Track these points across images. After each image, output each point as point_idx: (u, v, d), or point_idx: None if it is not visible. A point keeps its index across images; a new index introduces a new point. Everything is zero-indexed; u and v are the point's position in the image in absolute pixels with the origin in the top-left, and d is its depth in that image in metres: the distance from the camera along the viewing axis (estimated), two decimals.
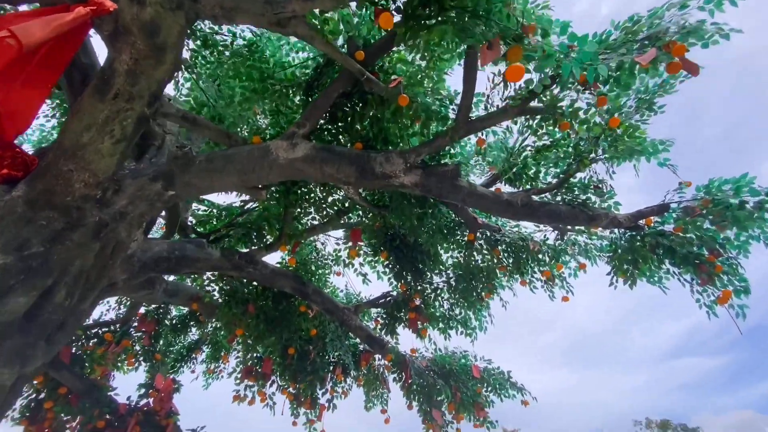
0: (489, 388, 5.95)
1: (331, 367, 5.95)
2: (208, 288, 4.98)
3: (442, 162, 4.02)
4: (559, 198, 4.15)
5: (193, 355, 7.64)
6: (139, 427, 4.37)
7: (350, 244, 4.79)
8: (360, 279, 5.51)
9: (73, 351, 4.63)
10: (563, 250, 4.91)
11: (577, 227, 4.47)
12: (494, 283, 5.15)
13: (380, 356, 5.88)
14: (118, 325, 5.61)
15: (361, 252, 5.12)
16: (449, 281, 5.15)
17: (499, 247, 4.87)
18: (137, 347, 5.28)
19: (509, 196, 3.95)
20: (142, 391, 4.81)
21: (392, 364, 5.31)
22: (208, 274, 5.11)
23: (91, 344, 5.03)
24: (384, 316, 5.45)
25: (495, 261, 4.98)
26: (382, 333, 5.51)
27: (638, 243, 4.04)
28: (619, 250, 4.13)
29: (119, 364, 5.08)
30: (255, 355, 5.33)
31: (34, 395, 4.49)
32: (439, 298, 5.23)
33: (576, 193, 4.13)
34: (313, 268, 5.39)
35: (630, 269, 4.11)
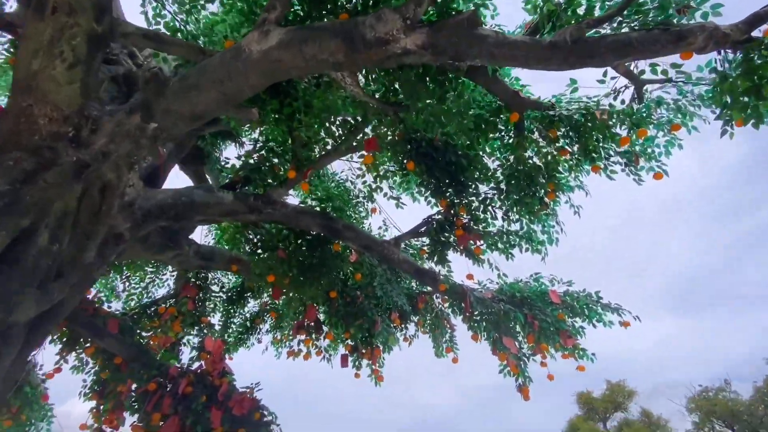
0: (574, 315, 4.98)
1: (388, 313, 5.40)
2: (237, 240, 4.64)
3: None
4: (625, 28, 3.04)
5: (258, 326, 7.64)
6: (191, 388, 4.23)
7: (367, 156, 4.07)
8: (394, 208, 4.80)
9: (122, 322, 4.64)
10: (645, 116, 3.73)
11: (661, 66, 3.25)
12: (556, 178, 4.12)
13: (437, 294, 5.19)
14: (173, 301, 5.62)
15: (386, 171, 4.38)
16: (499, 186, 4.22)
17: (557, 130, 3.82)
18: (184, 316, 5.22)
19: (554, 37, 2.94)
20: (193, 354, 4.72)
21: (448, 295, 4.58)
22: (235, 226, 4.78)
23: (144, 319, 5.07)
24: (429, 243, 4.71)
25: (553, 149, 3.95)
26: (432, 263, 4.79)
27: (757, 59, 2.80)
28: (730, 77, 2.90)
29: (168, 331, 5.07)
30: (300, 307, 4.95)
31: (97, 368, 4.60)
32: (490, 210, 4.33)
33: (651, 16, 2.98)
34: (345, 209, 4.79)
35: (751, 101, 2.88)
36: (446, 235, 4.43)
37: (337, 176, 5.00)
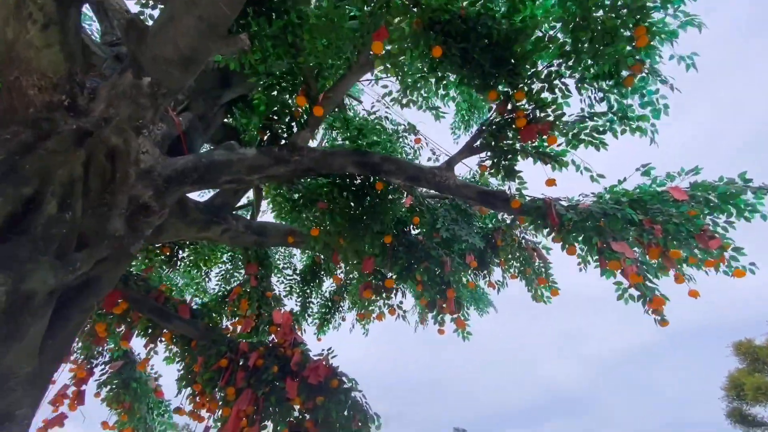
0: (712, 210, 3.65)
1: (462, 258, 4.63)
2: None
3: None
4: None
5: (338, 304, 7.41)
6: (262, 360, 4.02)
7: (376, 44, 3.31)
8: (441, 137, 4.00)
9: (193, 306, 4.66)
10: None
11: None
12: (647, 14, 2.92)
13: (515, 219, 4.27)
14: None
15: (413, 77, 3.58)
16: (564, 51, 3.15)
17: None
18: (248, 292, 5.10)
19: None
20: (263, 328, 4.55)
21: (526, 213, 3.65)
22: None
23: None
24: (490, 156, 3.82)
25: None
26: (498, 180, 3.89)
27: None
28: None
29: (237, 311, 5.00)
30: (355, 261, 4.44)
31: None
32: (560, 86, 3.27)
33: None
34: (382, 143, 4.15)
35: None
36: (508, 136, 3.50)
37: (370, 115, 4.36)
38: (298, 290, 6.81)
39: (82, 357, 5.08)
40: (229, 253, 6.48)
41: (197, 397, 4.35)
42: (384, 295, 4.70)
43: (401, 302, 4.77)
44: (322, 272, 7.07)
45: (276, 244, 5.24)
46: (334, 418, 3.71)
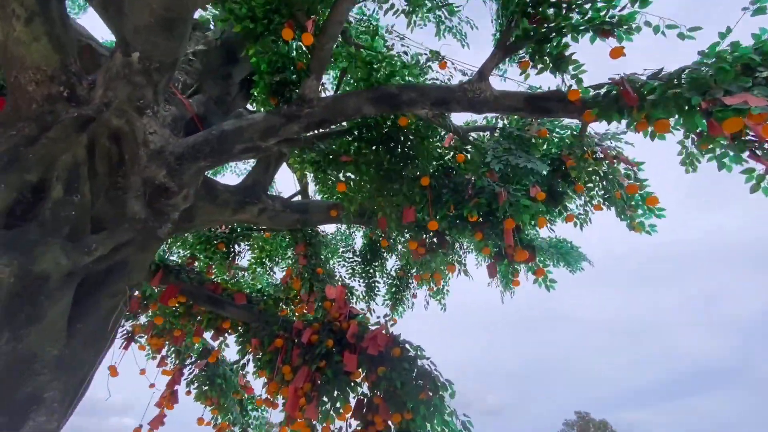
0: None
1: (525, 191, 3.87)
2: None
3: None
4: None
5: (406, 280, 6.97)
6: (317, 336, 3.73)
7: None
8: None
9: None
10: None
11: None
12: None
13: (571, 117, 3.41)
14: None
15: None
16: None
17: None
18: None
19: None
20: (317, 306, 4.28)
21: (590, 104, 2.80)
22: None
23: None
24: (530, 49, 3.03)
25: None
26: (546, 74, 3.09)
27: None
28: None
29: (290, 291, 4.81)
30: (394, 214, 3.92)
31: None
32: None
33: None
34: (399, 73, 3.61)
35: None
36: (547, 13, 2.71)
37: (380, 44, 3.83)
38: (360, 271, 6.52)
39: (172, 357, 5.36)
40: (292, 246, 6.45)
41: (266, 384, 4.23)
42: (437, 248, 4.11)
43: (461, 258, 4.15)
44: (382, 249, 6.70)
45: (320, 221, 4.97)
46: (399, 388, 3.26)
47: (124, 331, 4.65)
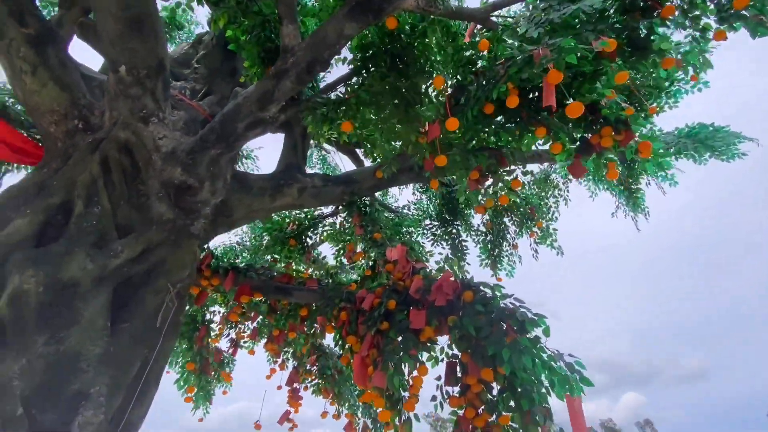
0: None
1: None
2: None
3: None
4: None
5: (502, 230, 6.07)
6: (378, 299, 3.29)
7: None
8: None
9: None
10: None
11: None
12: None
13: None
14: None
15: None
16: None
17: None
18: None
19: None
20: (380, 272, 3.84)
21: None
22: None
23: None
24: None
25: None
26: None
27: None
28: None
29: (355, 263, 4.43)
30: (416, 138, 3.23)
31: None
32: None
33: None
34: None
35: None
36: None
37: None
38: (442, 234, 5.91)
39: (287, 359, 5.57)
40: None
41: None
42: (494, 170, 3.30)
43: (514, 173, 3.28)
44: (460, 205, 5.97)
45: (370, 188, 4.58)
46: (474, 335, 2.61)
47: (229, 339, 5.00)
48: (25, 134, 3.48)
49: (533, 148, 3.77)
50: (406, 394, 2.86)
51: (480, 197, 3.46)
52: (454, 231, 5.92)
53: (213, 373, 4.84)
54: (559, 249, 6.27)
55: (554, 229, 6.19)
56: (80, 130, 3.10)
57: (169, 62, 3.45)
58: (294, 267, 5.44)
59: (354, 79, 3.68)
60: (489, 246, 6.15)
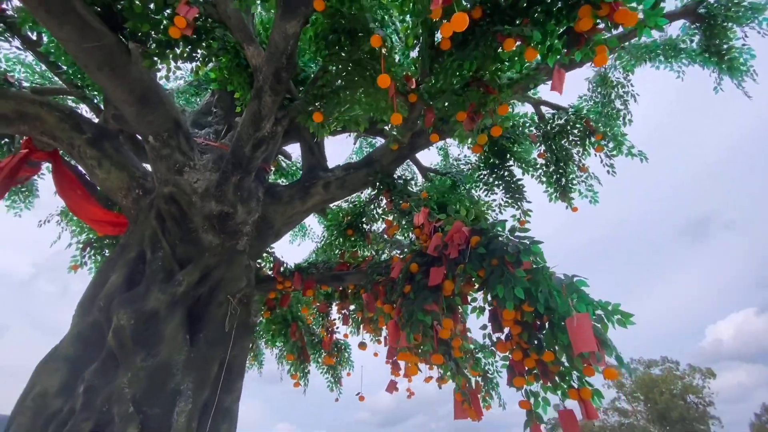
0: None
1: None
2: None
3: None
4: None
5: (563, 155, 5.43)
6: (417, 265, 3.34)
7: None
8: None
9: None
10: None
11: None
12: None
13: None
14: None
15: None
16: None
17: None
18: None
19: None
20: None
21: None
22: None
23: None
24: None
25: None
26: None
27: None
28: None
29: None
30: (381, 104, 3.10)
31: None
32: None
33: None
34: None
35: None
36: None
37: None
38: (495, 181, 5.57)
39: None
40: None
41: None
42: (485, 100, 3.05)
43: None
44: (504, 147, 5.52)
45: (392, 162, 4.63)
46: (480, 276, 2.52)
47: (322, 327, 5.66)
48: (112, 211, 4.53)
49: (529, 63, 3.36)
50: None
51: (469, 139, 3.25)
52: (506, 173, 5.53)
53: (311, 359, 5.56)
54: (640, 155, 5.32)
55: (624, 134, 5.27)
56: (140, 195, 3.94)
57: (185, 118, 4.10)
58: (360, 253, 5.84)
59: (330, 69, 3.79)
60: (553, 177, 5.58)
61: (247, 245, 3.91)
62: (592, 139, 5.17)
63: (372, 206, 5.79)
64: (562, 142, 5.37)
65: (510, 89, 3.03)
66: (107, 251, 5.54)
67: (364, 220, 5.86)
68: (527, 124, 5.56)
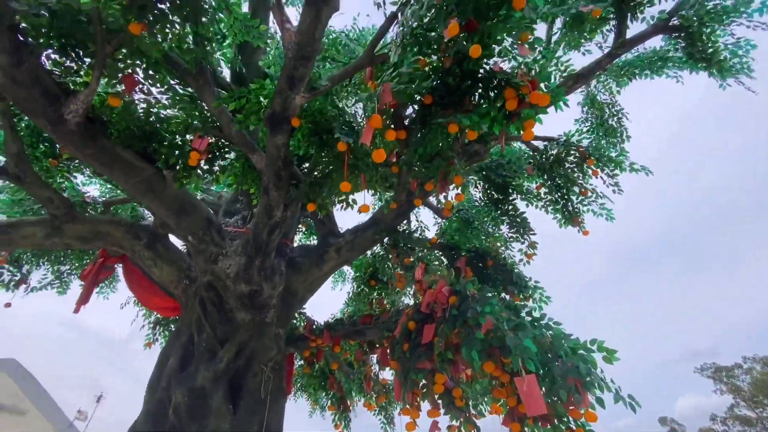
0: None
1: None
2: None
3: None
4: None
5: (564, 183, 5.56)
6: (404, 321, 3.70)
7: None
8: None
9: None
10: None
11: None
12: None
13: None
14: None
15: None
16: None
17: None
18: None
19: None
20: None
21: None
22: None
23: None
24: None
25: None
26: None
27: None
28: None
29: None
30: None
31: None
32: None
33: None
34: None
35: None
36: None
37: None
38: (499, 216, 5.80)
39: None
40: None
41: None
42: (446, 170, 3.45)
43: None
44: (510, 183, 5.75)
45: (394, 219, 5.09)
46: (454, 337, 2.84)
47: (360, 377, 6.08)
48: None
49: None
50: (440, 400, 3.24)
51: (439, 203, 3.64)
52: (509, 207, 5.75)
53: (351, 406, 5.97)
54: (644, 169, 5.28)
55: (625, 150, 5.30)
56: (188, 285, 4.77)
57: (215, 215, 4.92)
58: (386, 301, 6.28)
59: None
60: (559, 204, 5.69)
61: (275, 316, 4.54)
62: (585, 165, 5.27)
63: (383, 261, 6.25)
64: (560, 170, 5.51)
65: (466, 162, 3.41)
66: (172, 326, 6.51)
67: (379, 273, 6.33)
68: (524, 158, 5.79)
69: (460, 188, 3.59)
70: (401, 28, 3.19)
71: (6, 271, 5.73)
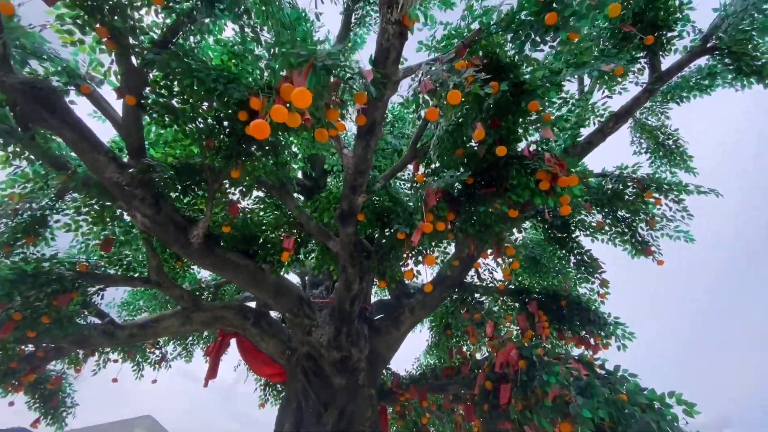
0: None
1: None
2: None
3: None
4: None
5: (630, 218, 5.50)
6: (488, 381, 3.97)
7: None
8: None
9: None
10: None
11: None
12: None
13: None
14: None
15: None
16: None
17: None
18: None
19: None
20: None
21: None
22: None
23: None
24: None
25: None
26: None
27: None
28: None
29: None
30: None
31: None
32: None
33: None
34: None
35: None
36: None
37: None
38: (566, 255, 5.86)
39: None
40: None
41: None
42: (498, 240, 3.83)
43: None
44: (569, 221, 5.85)
45: (460, 273, 5.48)
46: (525, 404, 3.11)
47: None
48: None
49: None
50: None
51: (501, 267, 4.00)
52: (574, 245, 5.80)
53: None
54: (713, 191, 5.06)
55: (692, 168, 5.16)
56: (290, 355, 5.58)
57: (304, 291, 5.76)
58: (465, 348, 6.55)
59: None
60: (626, 235, 5.62)
61: (365, 378, 5.11)
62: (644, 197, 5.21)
63: (455, 315, 6.57)
64: (619, 204, 5.49)
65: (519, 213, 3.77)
66: (278, 386, 7.43)
67: (454, 327, 6.64)
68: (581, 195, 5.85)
69: (513, 258, 3.93)
70: (437, 131, 3.76)
71: (152, 354, 7.13)
